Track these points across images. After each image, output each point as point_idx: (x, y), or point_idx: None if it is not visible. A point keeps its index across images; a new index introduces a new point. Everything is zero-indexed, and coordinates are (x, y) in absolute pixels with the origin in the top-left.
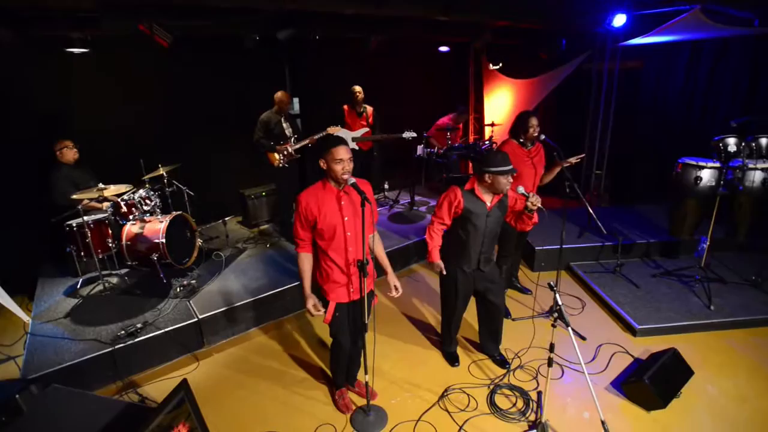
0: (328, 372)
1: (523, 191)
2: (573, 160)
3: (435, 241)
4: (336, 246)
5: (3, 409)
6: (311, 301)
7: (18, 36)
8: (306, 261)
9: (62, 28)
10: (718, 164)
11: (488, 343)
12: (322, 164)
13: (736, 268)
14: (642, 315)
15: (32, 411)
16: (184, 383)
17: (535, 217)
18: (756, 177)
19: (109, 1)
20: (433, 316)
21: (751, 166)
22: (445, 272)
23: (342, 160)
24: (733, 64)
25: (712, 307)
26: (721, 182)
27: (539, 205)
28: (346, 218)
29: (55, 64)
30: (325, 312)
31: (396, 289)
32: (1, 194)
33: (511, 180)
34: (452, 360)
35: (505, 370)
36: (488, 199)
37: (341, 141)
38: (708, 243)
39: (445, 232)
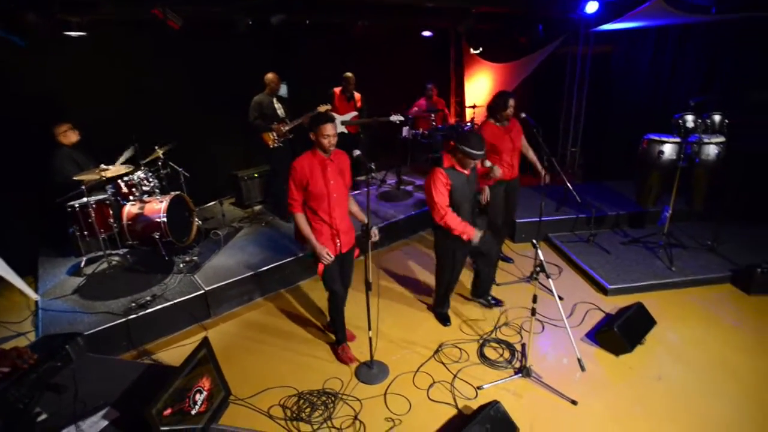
0: (329, 335)
1: (490, 164)
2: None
3: (458, 222)
4: (324, 207)
5: (56, 356)
6: (325, 250)
7: (42, 19)
8: (303, 220)
9: (65, 12)
10: (678, 139)
11: (483, 288)
12: (312, 137)
13: (694, 234)
14: (612, 277)
15: (79, 361)
16: (205, 341)
17: (492, 181)
18: (710, 150)
19: None
20: (423, 285)
21: (706, 140)
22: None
23: (329, 135)
24: (694, 48)
25: (673, 269)
26: (681, 156)
27: (498, 175)
28: (331, 182)
29: (51, 47)
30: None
31: (375, 234)
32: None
33: (478, 162)
34: (444, 320)
35: (496, 315)
36: (464, 170)
37: (330, 119)
38: (670, 212)
39: None
